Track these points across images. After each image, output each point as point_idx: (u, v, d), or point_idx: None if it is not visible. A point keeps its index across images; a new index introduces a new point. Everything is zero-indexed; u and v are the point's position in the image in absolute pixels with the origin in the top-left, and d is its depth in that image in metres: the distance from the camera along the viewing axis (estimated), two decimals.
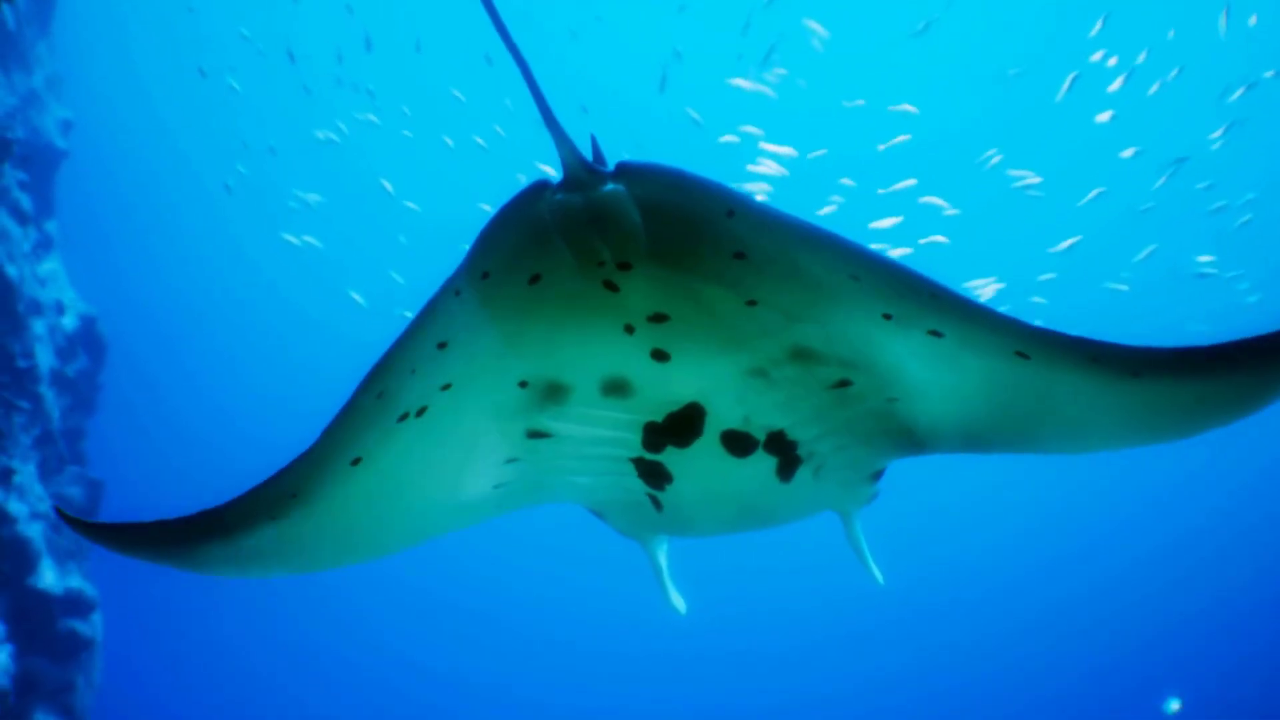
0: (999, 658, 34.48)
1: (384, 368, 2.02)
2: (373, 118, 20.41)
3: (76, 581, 10.82)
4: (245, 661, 35.93)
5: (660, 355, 2.05)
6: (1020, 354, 1.95)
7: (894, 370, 2.12)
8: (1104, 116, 16.08)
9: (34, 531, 10.38)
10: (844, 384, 2.16)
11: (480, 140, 18.88)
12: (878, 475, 2.62)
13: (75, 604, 10.69)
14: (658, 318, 1.98)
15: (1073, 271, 20.22)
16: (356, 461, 2.16)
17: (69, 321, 12.85)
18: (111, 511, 12.95)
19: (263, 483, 2.10)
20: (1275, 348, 1.82)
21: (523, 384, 2.16)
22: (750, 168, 14.47)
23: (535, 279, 1.91)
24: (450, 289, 1.94)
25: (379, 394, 2.05)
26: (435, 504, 2.46)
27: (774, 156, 14.32)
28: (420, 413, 2.14)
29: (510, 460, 2.38)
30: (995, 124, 22.63)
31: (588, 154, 1.87)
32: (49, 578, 10.41)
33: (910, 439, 2.35)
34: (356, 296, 21.45)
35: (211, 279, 36.64)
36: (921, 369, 2.10)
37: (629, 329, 2.00)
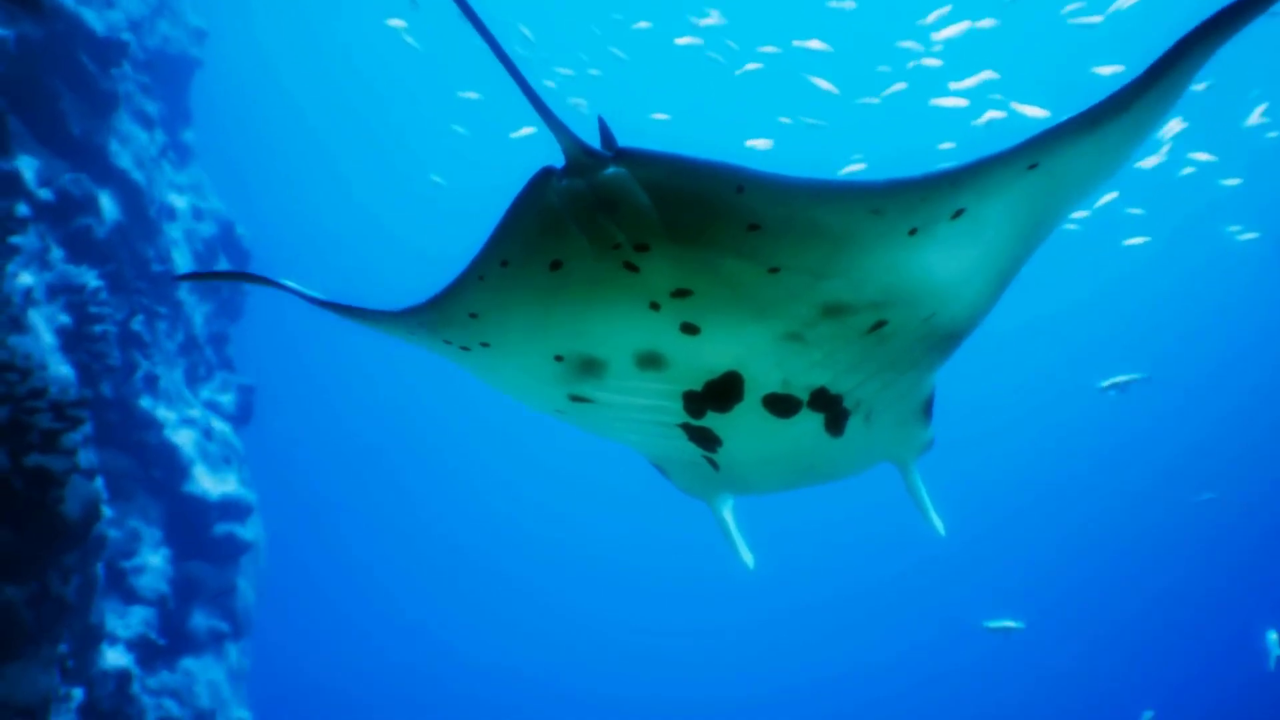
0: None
1: (423, 310, 2.16)
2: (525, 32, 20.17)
3: (232, 487, 10.73)
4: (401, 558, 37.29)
5: (690, 329, 2.06)
6: (1031, 167, 1.87)
7: (926, 284, 2.07)
8: None
9: (184, 438, 10.28)
10: (880, 325, 2.13)
11: None
12: (927, 407, 2.58)
13: (232, 508, 10.61)
14: (681, 293, 1.98)
15: None
16: (410, 338, 2.38)
17: (207, 227, 12.68)
18: (263, 416, 12.92)
19: (345, 307, 2.37)
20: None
21: (558, 358, 2.21)
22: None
23: (556, 265, 1.94)
24: (474, 274, 2.00)
25: (421, 323, 2.22)
26: (492, 385, 2.59)
27: None
28: (464, 349, 2.30)
29: (558, 411, 2.48)
30: None
31: (594, 138, 1.85)
32: (203, 483, 10.32)
33: (952, 338, 2.31)
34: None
35: (359, 187, 37.16)
36: (950, 260, 2.04)
37: (654, 306, 2.01)
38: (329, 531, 36.49)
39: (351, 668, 34.65)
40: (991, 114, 16.22)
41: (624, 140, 1.82)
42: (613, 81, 24.57)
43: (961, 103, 15.43)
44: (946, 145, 18.07)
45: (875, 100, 19.02)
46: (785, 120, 18.64)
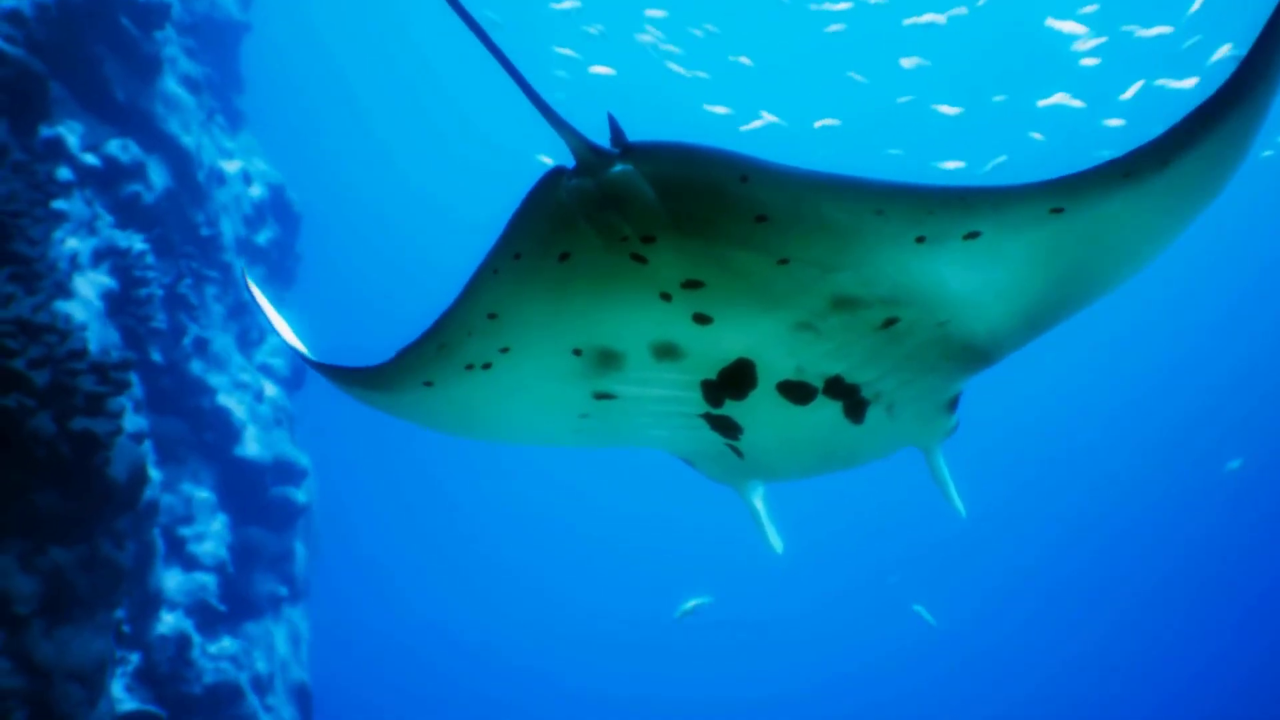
0: None
1: (442, 326, 2.18)
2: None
3: (286, 450, 10.67)
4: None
5: (702, 319, 2.09)
6: (1055, 210, 1.84)
7: (937, 291, 2.07)
8: None
9: (236, 402, 10.22)
10: (891, 321, 2.14)
11: None
12: (953, 403, 2.58)
13: (287, 472, 10.55)
14: (691, 284, 2.00)
15: None
16: (429, 384, 2.38)
17: (257, 191, 12.56)
18: (320, 381, 12.85)
19: (353, 370, 2.39)
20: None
21: (576, 351, 2.25)
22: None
23: (564, 256, 1.99)
24: (489, 268, 2.04)
25: (440, 345, 2.23)
26: (518, 430, 2.66)
27: None
28: (486, 367, 2.31)
29: (583, 415, 2.50)
30: None
31: (605, 134, 1.88)
32: (256, 447, 10.26)
33: (974, 354, 2.31)
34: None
35: (408, 149, 36.96)
36: (965, 278, 2.04)
37: (665, 296, 2.03)
38: (341, 515, 36.74)
39: (359, 664, 34.85)
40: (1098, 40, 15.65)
41: (639, 133, 1.81)
42: (698, 40, 23.79)
43: (1080, 29, 14.93)
44: (1089, 61, 17.32)
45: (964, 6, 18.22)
46: (909, 62, 18.08)
